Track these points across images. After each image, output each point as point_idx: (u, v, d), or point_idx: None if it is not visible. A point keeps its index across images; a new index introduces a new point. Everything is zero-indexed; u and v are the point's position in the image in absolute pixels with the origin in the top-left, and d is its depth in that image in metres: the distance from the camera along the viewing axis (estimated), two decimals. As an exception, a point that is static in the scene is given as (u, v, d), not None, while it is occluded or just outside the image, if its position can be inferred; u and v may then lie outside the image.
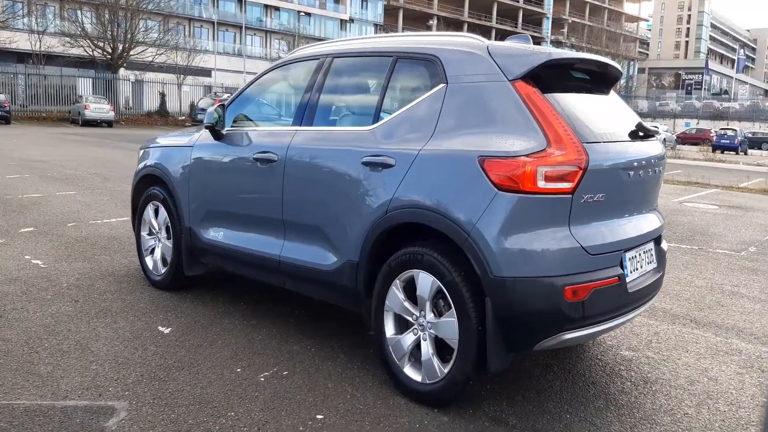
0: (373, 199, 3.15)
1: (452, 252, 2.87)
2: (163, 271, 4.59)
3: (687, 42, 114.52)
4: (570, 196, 2.70)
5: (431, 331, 2.97)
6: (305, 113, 3.63)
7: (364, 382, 3.26)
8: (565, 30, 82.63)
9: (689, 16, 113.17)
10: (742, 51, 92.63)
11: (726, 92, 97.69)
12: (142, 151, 4.89)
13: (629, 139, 3.05)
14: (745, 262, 6.62)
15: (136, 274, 5.02)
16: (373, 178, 3.16)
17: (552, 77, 2.92)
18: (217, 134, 4.07)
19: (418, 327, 3.03)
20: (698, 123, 58.85)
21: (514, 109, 2.81)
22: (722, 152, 36.02)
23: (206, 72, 43.23)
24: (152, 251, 4.73)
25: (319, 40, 59.53)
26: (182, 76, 37.11)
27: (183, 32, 45.07)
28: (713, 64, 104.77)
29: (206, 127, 4.05)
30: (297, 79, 3.90)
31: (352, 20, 62.86)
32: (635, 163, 2.98)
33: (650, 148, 3.18)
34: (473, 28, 68.54)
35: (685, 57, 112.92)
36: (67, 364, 3.33)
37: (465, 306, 2.79)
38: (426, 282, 2.94)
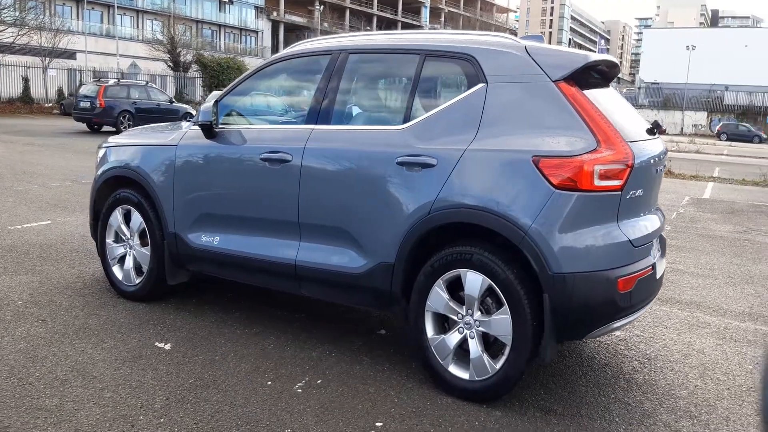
0: (412, 199, 3.10)
1: (505, 251, 2.91)
2: (138, 281, 4.22)
3: (551, 33, 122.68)
4: (619, 193, 2.84)
5: (480, 328, 3.00)
6: (321, 111, 3.48)
7: (403, 384, 3.23)
8: (442, 18, 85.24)
9: (552, 8, 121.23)
10: (603, 42, 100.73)
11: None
12: (102, 150, 4.43)
13: (649, 137, 3.25)
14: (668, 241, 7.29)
15: (97, 285, 4.57)
16: (411, 178, 3.11)
17: (584, 78, 3.04)
18: (210, 133, 3.78)
19: (464, 325, 3.05)
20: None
21: (561, 110, 2.89)
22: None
23: (72, 54, 39.69)
24: (122, 260, 4.33)
25: (198, 22, 56.83)
26: (47, 59, 33.75)
27: (43, 10, 40.91)
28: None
29: (200, 126, 3.75)
30: (304, 74, 3.73)
31: (231, 2, 60.47)
32: (656, 159, 3.19)
33: (661, 145, 3.41)
34: (355, 14, 68.71)
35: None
36: (74, 394, 2.98)
37: (520, 303, 2.86)
38: (475, 281, 2.96)
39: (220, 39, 59.84)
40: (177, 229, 3.96)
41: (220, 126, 3.80)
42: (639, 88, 66.83)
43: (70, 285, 4.56)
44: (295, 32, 66.90)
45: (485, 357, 2.99)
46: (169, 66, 40.36)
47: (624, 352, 3.82)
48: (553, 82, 2.93)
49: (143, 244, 4.19)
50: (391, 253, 3.18)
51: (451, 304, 3.06)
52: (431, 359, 3.14)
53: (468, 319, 3.03)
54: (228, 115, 3.89)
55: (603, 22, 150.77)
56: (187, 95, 37.91)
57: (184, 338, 3.69)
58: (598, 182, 2.77)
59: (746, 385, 3.44)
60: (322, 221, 3.42)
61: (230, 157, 3.74)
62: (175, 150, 3.95)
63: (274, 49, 63.23)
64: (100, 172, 4.35)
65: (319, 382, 3.22)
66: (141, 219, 4.13)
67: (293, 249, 3.53)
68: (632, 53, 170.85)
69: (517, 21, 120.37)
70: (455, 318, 3.08)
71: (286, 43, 66.09)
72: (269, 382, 3.19)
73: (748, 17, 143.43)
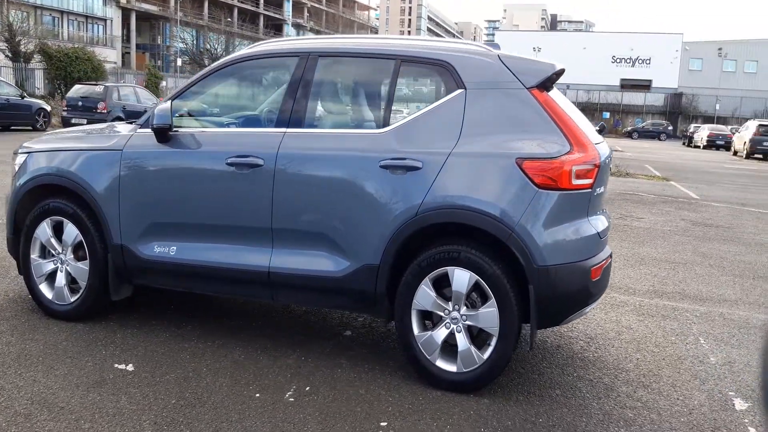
0: (397, 202, 3.17)
1: (491, 248, 3.09)
2: (73, 299, 3.85)
3: (410, 32, 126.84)
4: (589, 190, 3.13)
5: (467, 322, 3.16)
6: (291, 115, 3.41)
7: (389, 383, 3.30)
8: (306, 14, 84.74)
9: (410, 8, 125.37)
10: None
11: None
12: (22, 157, 3.97)
13: (601, 139, 3.59)
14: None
15: (18, 306, 4.10)
16: (396, 181, 3.18)
17: (548, 85, 3.29)
18: (164, 136, 3.55)
19: (451, 320, 3.19)
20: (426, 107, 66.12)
21: (536, 115, 3.11)
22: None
23: None
24: (50, 277, 3.92)
25: (36, 8, 51.33)
26: None
27: None
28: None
29: (154, 129, 3.50)
30: (268, 76, 3.62)
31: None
32: (609, 160, 3.53)
33: (608, 147, 3.76)
34: (215, 5, 66.02)
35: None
36: (47, 429, 2.70)
37: (507, 295, 3.05)
38: (463, 277, 3.11)
39: (63, 27, 54.58)
40: (124, 240, 3.67)
41: (174, 129, 3.58)
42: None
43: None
44: (149, 21, 62.98)
45: (473, 349, 3.15)
46: (7, 56, 36.16)
47: (568, 333, 4.18)
48: (527, 89, 3.15)
49: (79, 258, 3.83)
50: (375, 255, 3.23)
51: (439, 300, 3.18)
52: (418, 355, 3.24)
53: (455, 314, 3.17)
54: (180, 117, 3.68)
55: (456, 23, 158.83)
56: (32, 88, 34.25)
57: (143, 357, 3.45)
58: (574, 181, 3.03)
59: (676, 354, 3.93)
60: (299, 226, 3.37)
61: (189, 162, 3.54)
62: (119, 155, 3.65)
63: (125, 39, 59.03)
64: (22, 180, 3.89)
65: (307, 389, 3.19)
66: (76, 231, 3.77)
67: (265, 256, 3.44)
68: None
69: (378, 19, 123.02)
70: (441, 314, 3.20)
71: (139, 33, 61.82)
72: (257, 395, 3.11)
73: (582, 22, 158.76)
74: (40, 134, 4.56)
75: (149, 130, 3.62)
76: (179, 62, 47.19)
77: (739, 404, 3.28)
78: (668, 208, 10.26)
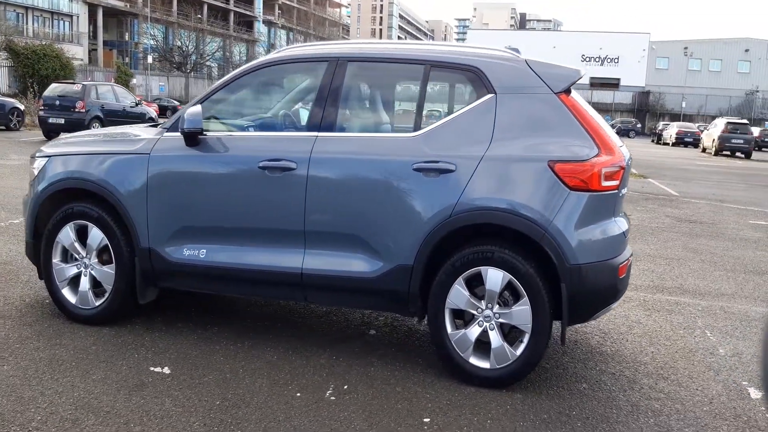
0: (431, 203, 3.26)
1: (524, 247, 3.20)
2: (98, 303, 3.84)
3: (381, 29, 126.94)
4: (616, 191, 3.26)
5: (500, 320, 3.26)
6: (323, 119, 3.47)
7: (423, 380, 3.39)
8: (276, 11, 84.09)
9: (381, 6, 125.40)
10: (431, 41, 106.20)
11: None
12: (41, 161, 3.94)
13: (622, 142, 3.73)
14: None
15: (38, 311, 4.08)
16: (430, 183, 3.26)
17: (571, 89, 3.42)
18: (194, 140, 3.57)
19: (484, 319, 3.29)
20: (400, 105, 66.37)
21: (564, 119, 3.23)
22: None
23: None
24: (73, 281, 3.91)
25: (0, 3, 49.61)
26: None
27: None
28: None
29: (185, 133, 3.52)
30: (296, 81, 3.66)
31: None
32: (630, 162, 3.66)
33: (628, 149, 3.89)
34: (184, 3, 65.01)
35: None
36: (99, 433, 2.72)
37: (539, 293, 3.17)
38: (496, 277, 3.21)
39: (27, 23, 53.14)
40: (152, 243, 3.69)
41: (203, 133, 3.60)
42: (466, 84, 71.85)
43: (4, 314, 4.00)
44: (117, 17, 61.68)
45: (506, 346, 3.26)
46: (-29, 54, 35.09)
47: (582, 329, 4.32)
48: (554, 93, 3.27)
49: (104, 262, 3.83)
50: (409, 256, 3.31)
51: (472, 299, 3.28)
52: (452, 353, 3.34)
53: (487, 312, 3.28)
54: (207, 120, 3.70)
55: (427, 21, 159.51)
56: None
57: (177, 360, 3.48)
58: (603, 183, 3.16)
59: (687, 347, 4.11)
60: (332, 228, 3.43)
61: (220, 165, 3.57)
62: (147, 159, 3.66)
63: (92, 35, 57.71)
64: (43, 184, 3.86)
65: (345, 387, 3.26)
66: (102, 235, 3.77)
67: (298, 257, 3.49)
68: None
69: (349, 17, 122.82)
70: (474, 312, 3.30)
71: (106, 30, 60.43)
72: (298, 394, 3.17)
73: (551, 20, 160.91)
74: (14, 134, 4.52)
75: (177, 133, 3.64)
76: (150, 59, 46.38)
77: (754, 393, 3.46)
78: (651, 205, 10.57)
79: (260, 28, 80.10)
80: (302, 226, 3.46)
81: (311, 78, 3.59)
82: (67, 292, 3.91)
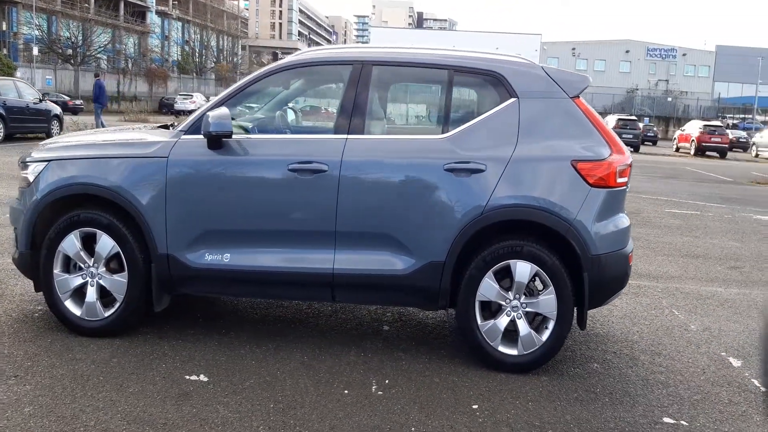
0: (463, 202, 3.43)
1: (549, 241, 3.45)
2: (108, 314, 3.67)
3: (281, 24, 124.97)
4: (626, 187, 3.59)
5: (528, 309, 3.50)
6: (351, 121, 3.53)
7: (455, 370, 3.56)
8: (171, 2, 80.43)
9: (281, 0, 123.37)
10: (335, 37, 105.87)
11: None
12: (39, 165, 3.68)
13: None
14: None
15: (37, 325, 3.84)
16: (460, 183, 3.43)
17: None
18: (217, 144, 3.50)
19: (512, 309, 3.52)
20: (305, 100, 65.92)
21: (580, 122, 3.52)
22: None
23: None
24: (77, 292, 3.71)
25: None
26: None
27: None
28: (302, 46, 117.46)
29: (210, 135, 3.44)
30: (319, 84, 3.68)
31: None
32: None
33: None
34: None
35: (280, 38, 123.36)
36: (166, 445, 2.66)
37: (564, 283, 3.44)
38: (524, 269, 3.44)
39: None
40: (171, 249, 3.58)
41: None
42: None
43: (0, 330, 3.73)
44: (-9, 6, 56.32)
45: (533, 333, 3.50)
46: None
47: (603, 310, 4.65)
48: (570, 98, 3.55)
49: (114, 270, 3.67)
50: (441, 252, 3.47)
51: (501, 291, 3.49)
52: (482, 342, 3.53)
53: (515, 302, 3.50)
54: (226, 123, 3.63)
55: (327, 17, 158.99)
56: None
57: (209, 367, 3.42)
58: (618, 180, 3.48)
59: (664, 325, 4.56)
60: (364, 228, 3.51)
61: (248, 168, 3.54)
62: (165, 163, 3.55)
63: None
64: (43, 191, 3.62)
65: (387, 382, 3.36)
66: (113, 242, 3.60)
67: (329, 258, 3.54)
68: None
69: (248, 9, 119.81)
70: (503, 303, 3.52)
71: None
72: (345, 391, 3.23)
73: (446, 20, 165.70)
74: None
75: (196, 136, 3.56)
76: (35, 51, 42.87)
77: (735, 362, 3.94)
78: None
79: (153, 18, 76.31)
80: (333, 226, 3.51)
81: (335, 81, 3.63)
82: (70, 304, 3.71)
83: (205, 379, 3.29)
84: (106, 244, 3.62)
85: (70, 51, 48.33)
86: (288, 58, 3.73)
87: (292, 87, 3.94)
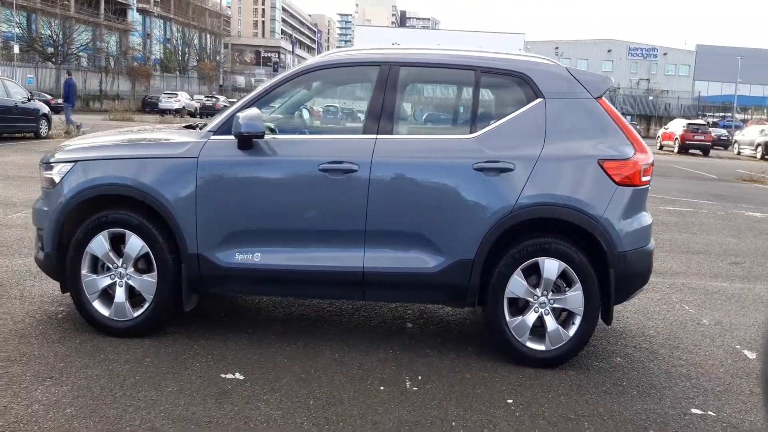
0: (492, 200, 3.49)
1: (575, 238, 3.53)
2: (137, 314, 3.68)
3: (264, 22, 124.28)
4: (648, 186, 3.68)
5: (555, 305, 3.57)
6: (380, 122, 3.57)
7: (484, 366, 3.62)
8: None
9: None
10: (319, 35, 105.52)
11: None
12: (66, 166, 3.67)
13: None
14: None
15: (63, 325, 3.83)
16: (490, 182, 3.49)
17: None
18: (248, 144, 3.53)
19: (539, 305, 3.59)
20: (290, 98, 65.65)
21: (604, 121, 3.60)
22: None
23: None
24: (104, 293, 3.71)
25: None
26: None
27: None
28: (285, 44, 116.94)
29: (242, 136, 3.46)
30: (346, 85, 3.71)
31: None
32: None
33: None
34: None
35: (263, 36, 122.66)
36: (215, 443, 2.68)
37: (591, 279, 3.52)
38: (552, 266, 3.52)
39: None
40: (201, 249, 3.60)
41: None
42: (355, 80, 72.59)
43: (22, 333, 3.71)
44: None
45: (560, 329, 3.58)
46: None
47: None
48: (594, 98, 3.62)
49: (142, 270, 3.67)
50: (470, 250, 3.53)
51: (529, 288, 3.56)
52: (510, 339, 3.60)
53: (542, 299, 3.57)
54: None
55: (310, 15, 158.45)
56: None
57: (243, 365, 3.45)
58: (643, 178, 3.57)
59: (677, 319, 4.67)
60: (394, 227, 3.56)
61: (279, 168, 3.57)
62: (195, 163, 3.56)
63: None
64: (72, 191, 3.61)
65: (420, 378, 3.41)
66: (142, 243, 3.61)
67: (358, 256, 3.58)
68: (337, 46, 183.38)
69: (230, 7, 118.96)
70: (531, 299, 3.59)
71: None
72: (381, 387, 3.28)
73: (429, 19, 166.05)
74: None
75: (226, 136, 3.59)
76: (16, 49, 42.20)
77: (749, 354, 4.06)
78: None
79: (134, 16, 75.45)
80: (363, 225, 3.55)
81: (363, 82, 3.67)
82: (98, 305, 3.70)
83: (241, 377, 3.31)
84: (135, 244, 3.62)
85: (51, 49, 47.64)
86: (315, 60, 3.76)
87: (319, 88, 3.96)
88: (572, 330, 3.58)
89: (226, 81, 76.70)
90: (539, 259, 3.53)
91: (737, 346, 4.19)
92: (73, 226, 3.68)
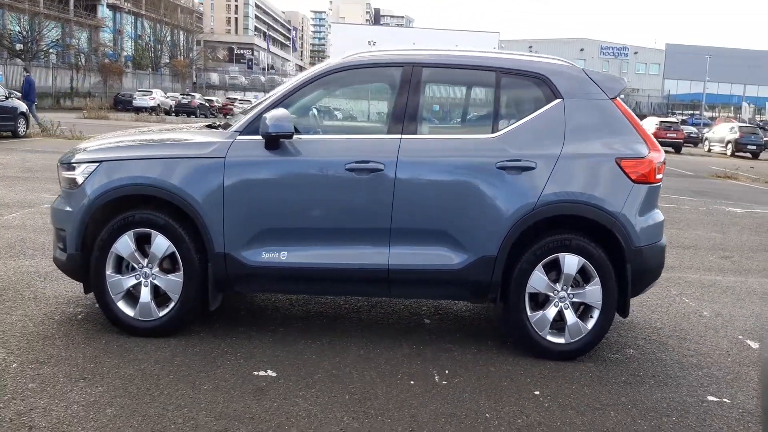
0: (515, 198, 3.59)
1: (596, 234, 3.66)
2: (162, 313, 3.70)
3: (236, 18, 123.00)
4: (660, 183, 3.83)
5: (574, 299, 3.70)
6: (404, 121, 3.65)
7: (506, 359, 3.73)
8: (123, -5, 78.04)
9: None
10: (294, 32, 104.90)
11: (272, 68, 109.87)
12: (91, 166, 3.66)
13: None
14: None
15: (85, 326, 3.83)
16: (512, 180, 3.60)
17: None
18: (275, 144, 3.57)
19: (559, 300, 3.71)
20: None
21: (620, 121, 3.73)
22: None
23: None
24: (128, 294, 3.71)
25: None
26: None
27: None
28: (259, 41, 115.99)
29: (270, 136, 3.50)
30: (370, 85, 3.77)
31: None
32: None
33: None
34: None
35: (236, 32, 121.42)
36: (261, 439, 2.74)
37: (609, 274, 3.65)
38: (572, 261, 3.64)
39: None
40: (228, 248, 3.63)
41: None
42: (331, 77, 72.44)
43: (46, 335, 3.70)
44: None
45: (579, 322, 3.70)
46: None
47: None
48: (610, 99, 3.75)
49: (167, 270, 3.69)
50: (493, 247, 3.63)
51: (549, 283, 3.68)
52: (531, 333, 3.71)
53: (562, 294, 3.69)
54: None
55: (284, 12, 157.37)
56: None
57: (273, 362, 3.50)
58: (657, 176, 3.71)
59: (679, 312, 4.85)
60: (419, 225, 3.64)
61: (307, 168, 3.62)
62: (222, 163, 3.59)
63: None
64: (98, 191, 3.60)
65: (447, 372, 3.51)
66: (168, 242, 3.62)
67: (383, 254, 3.65)
68: (311, 43, 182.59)
69: (202, 4, 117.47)
70: (551, 294, 3.70)
71: None
72: (411, 382, 3.36)
73: (403, 17, 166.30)
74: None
75: (253, 136, 3.62)
76: (-18, 45, 41.05)
77: (752, 344, 4.25)
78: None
79: (105, 12, 74.01)
80: (389, 224, 3.63)
81: (385, 83, 3.74)
82: (123, 305, 3.71)
83: (274, 374, 3.36)
84: (161, 244, 3.64)
85: (20, 46, 46.50)
86: (338, 61, 3.81)
87: (341, 89, 4.02)
88: (590, 323, 3.71)
89: (200, 78, 75.74)
90: (560, 254, 3.64)
91: (740, 337, 4.38)
92: (97, 226, 3.67)
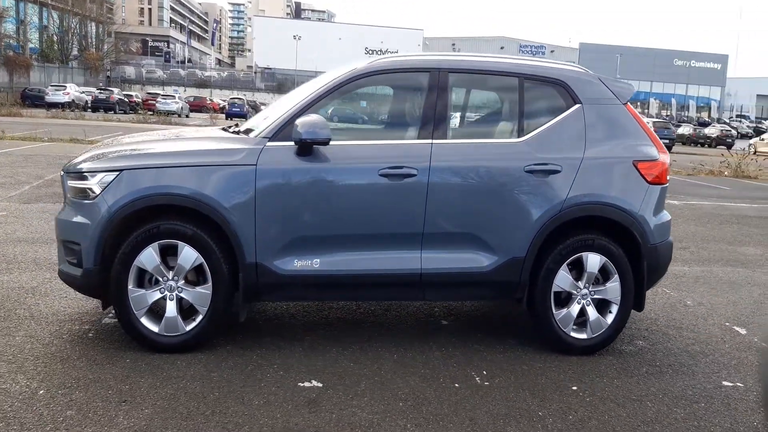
0: (542, 201, 3.72)
1: (616, 234, 3.84)
2: (189, 328, 3.55)
3: (150, 9, 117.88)
4: (668, 184, 4.07)
5: (595, 296, 3.87)
6: (435, 127, 3.68)
7: (534, 357, 3.85)
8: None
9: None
10: (215, 24, 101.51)
11: (190, 61, 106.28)
12: (111, 175, 3.44)
13: None
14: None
15: (93, 347, 3.61)
16: (539, 183, 3.71)
17: None
18: (308, 150, 3.50)
19: (581, 297, 3.87)
20: (185, 91, 62.98)
21: (633, 125, 3.94)
22: (231, 119, 40.45)
23: None
24: (150, 309, 3.54)
25: None
26: None
27: None
28: (175, 33, 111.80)
29: (303, 143, 3.43)
30: (398, 90, 3.76)
31: None
32: None
33: None
34: None
35: (150, 24, 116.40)
36: (335, 452, 2.71)
37: (627, 271, 3.85)
38: (595, 260, 3.81)
39: None
40: (259, 258, 3.53)
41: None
42: (255, 73, 70.97)
43: (62, 355, 3.47)
44: None
45: (600, 318, 3.88)
46: None
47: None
48: (622, 104, 3.95)
49: (193, 282, 3.55)
50: (522, 248, 3.74)
51: (573, 281, 3.83)
52: (556, 330, 3.85)
53: (584, 291, 3.86)
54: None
55: (200, 3, 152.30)
56: None
57: (314, 373, 3.45)
58: (667, 177, 3.94)
59: (667, 303, 5.17)
60: (450, 229, 3.69)
61: (341, 175, 3.58)
62: (253, 171, 3.48)
63: None
64: (120, 202, 3.40)
65: (484, 373, 3.59)
66: (196, 254, 3.48)
67: (416, 258, 3.68)
68: (230, 36, 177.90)
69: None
70: (574, 292, 3.86)
71: None
72: (456, 385, 3.42)
73: (325, 11, 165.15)
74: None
75: (284, 143, 3.54)
76: None
77: (740, 330, 4.60)
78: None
79: (6, 1, 68.96)
80: (421, 228, 3.66)
81: (412, 88, 3.75)
82: (146, 321, 3.53)
83: (319, 384, 3.32)
84: (189, 255, 3.49)
85: None
86: (364, 66, 3.77)
87: (368, 94, 3.99)
88: (610, 318, 3.90)
89: (114, 72, 72.06)
90: (583, 254, 3.80)
91: (727, 324, 4.73)
92: (115, 238, 3.47)
